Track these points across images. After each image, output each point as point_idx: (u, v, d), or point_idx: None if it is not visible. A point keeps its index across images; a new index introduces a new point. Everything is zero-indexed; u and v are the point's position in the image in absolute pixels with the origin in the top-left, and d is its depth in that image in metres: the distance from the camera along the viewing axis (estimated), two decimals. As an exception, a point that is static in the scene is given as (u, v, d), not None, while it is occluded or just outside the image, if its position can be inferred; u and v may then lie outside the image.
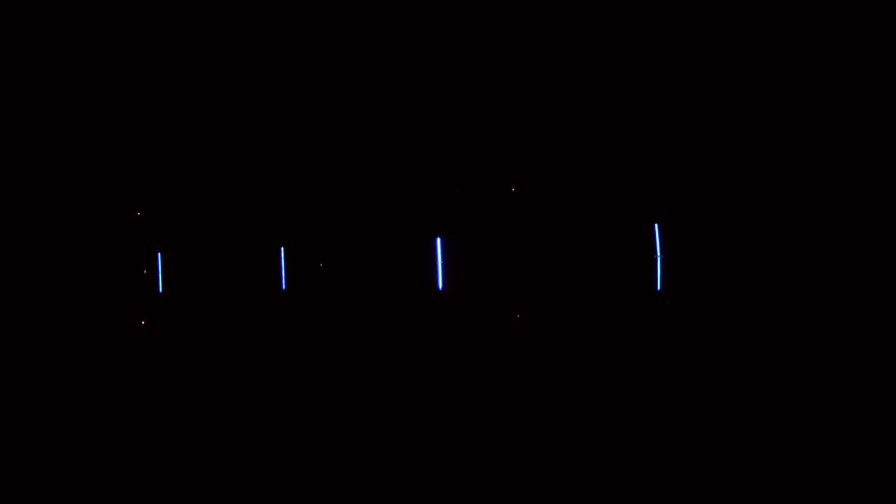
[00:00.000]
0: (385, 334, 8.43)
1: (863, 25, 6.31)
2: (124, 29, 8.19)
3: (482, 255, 8.35)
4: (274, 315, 8.77)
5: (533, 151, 8.03)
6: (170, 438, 5.93)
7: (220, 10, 8.00)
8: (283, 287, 8.85)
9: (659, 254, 7.55)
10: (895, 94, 6.35)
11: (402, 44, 8.12)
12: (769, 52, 6.80)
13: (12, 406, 6.76)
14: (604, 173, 7.75)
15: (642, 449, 5.31)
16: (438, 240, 8.52)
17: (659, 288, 7.54)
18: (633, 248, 7.64)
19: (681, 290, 7.45)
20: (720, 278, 7.28)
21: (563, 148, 7.90)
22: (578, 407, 6.38)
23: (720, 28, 6.91)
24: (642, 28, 7.23)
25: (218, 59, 8.39)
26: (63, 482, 5.04)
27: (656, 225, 7.56)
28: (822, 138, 6.77)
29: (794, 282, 6.95)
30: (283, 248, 8.83)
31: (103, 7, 8.06)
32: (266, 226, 8.87)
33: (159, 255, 8.63)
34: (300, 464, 5.33)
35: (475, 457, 5.32)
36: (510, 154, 8.15)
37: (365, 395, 7.08)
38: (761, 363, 6.75)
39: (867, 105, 6.53)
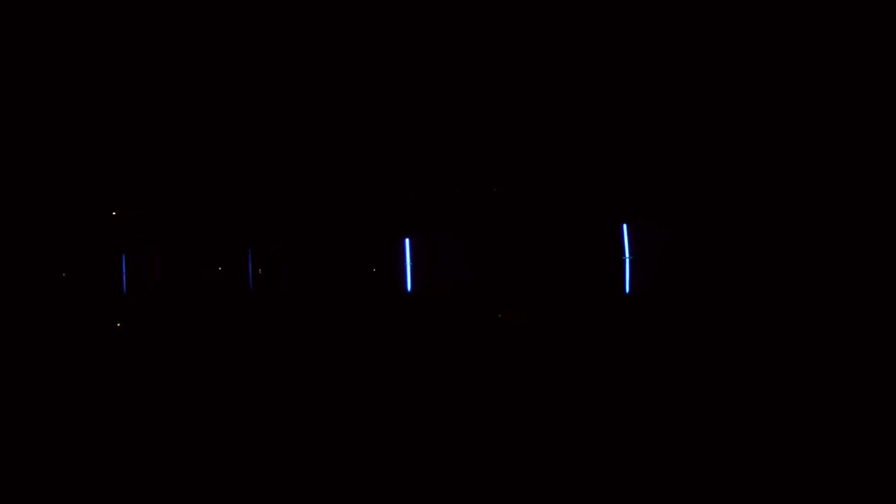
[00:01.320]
0: (353, 335, 8.32)
1: (823, 25, 6.18)
2: (92, 30, 8.10)
3: (452, 257, 8.22)
4: (242, 315, 8.67)
5: (502, 153, 7.89)
6: (136, 438, 5.85)
7: (183, 13, 7.89)
8: (251, 287, 8.74)
9: (628, 255, 7.39)
10: (862, 92, 6.22)
11: (371, 45, 8.00)
12: (735, 57, 6.67)
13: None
14: (572, 175, 7.61)
15: (612, 453, 5.20)
16: (407, 241, 8.39)
17: (628, 290, 7.39)
18: (603, 250, 7.49)
19: (650, 293, 7.29)
20: (691, 280, 7.13)
21: (532, 149, 7.76)
22: (549, 411, 6.26)
23: (688, 35, 6.79)
24: (614, 36, 7.12)
25: (189, 62, 8.29)
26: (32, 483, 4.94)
27: (624, 226, 7.40)
28: (791, 141, 6.62)
29: (766, 283, 6.80)
30: (250, 250, 8.72)
31: (71, 7, 7.97)
32: (234, 227, 8.76)
33: (124, 256, 8.52)
34: (267, 466, 5.23)
35: (440, 462, 5.21)
36: (480, 155, 8.02)
37: (331, 397, 6.98)
38: (733, 366, 6.61)
39: (838, 106, 6.39)
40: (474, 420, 6.11)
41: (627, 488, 4.62)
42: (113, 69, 8.33)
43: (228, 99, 8.40)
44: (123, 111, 8.52)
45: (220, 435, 5.93)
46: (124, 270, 8.54)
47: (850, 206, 6.33)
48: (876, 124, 6.18)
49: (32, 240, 8.54)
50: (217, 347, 8.30)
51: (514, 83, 7.70)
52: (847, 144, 6.33)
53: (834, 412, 5.52)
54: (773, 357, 6.51)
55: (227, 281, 8.73)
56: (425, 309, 8.23)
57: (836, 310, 6.38)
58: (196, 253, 8.74)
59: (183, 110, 8.50)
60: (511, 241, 7.93)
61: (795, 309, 6.54)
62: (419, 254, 8.36)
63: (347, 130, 8.39)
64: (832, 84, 6.27)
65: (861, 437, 5.15)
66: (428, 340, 8.02)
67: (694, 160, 7.03)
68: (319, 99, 8.31)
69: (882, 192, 6.15)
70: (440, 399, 6.79)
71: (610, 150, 7.38)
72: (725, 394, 6.21)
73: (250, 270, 8.68)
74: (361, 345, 8.16)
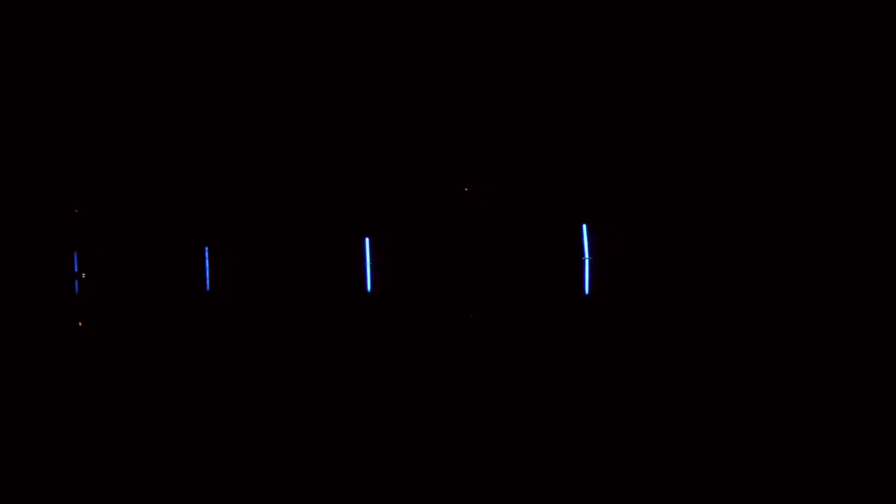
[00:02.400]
0: (312, 337, 8.14)
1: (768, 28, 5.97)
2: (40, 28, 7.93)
3: (413, 257, 8.02)
4: (198, 317, 8.48)
5: (463, 153, 7.67)
6: (84, 442, 5.75)
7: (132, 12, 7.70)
8: (208, 288, 8.54)
9: (587, 256, 7.13)
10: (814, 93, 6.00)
11: (333, 44, 7.80)
12: (693, 61, 6.46)
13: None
14: (531, 174, 7.37)
15: (569, 461, 5.06)
16: (367, 240, 8.17)
17: (587, 293, 7.14)
18: (562, 251, 7.25)
19: (610, 296, 7.05)
20: (652, 282, 6.89)
21: (491, 149, 7.53)
22: (508, 415, 6.11)
23: (643, 39, 6.59)
24: (573, 40, 6.93)
25: (144, 56, 8.11)
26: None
27: (584, 226, 7.15)
28: (750, 143, 6.39)
29: (727, 285, 6.57)
30: (206, 248, 8.52)
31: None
32: (189, 223, 8.56)
33: (75, 254, 8.33)
34: (225, 469, 5.10)
35: (402, 462, 5.07)
36: (439, 155, 7.80)
37: (287, 400, 6.84)
38: (692, 372, 6.40)
39: (796, 110, 6.17)
40: (432, 423, 5.97)
41: (591, 489, 4.50)
42: (71, 69, 8.16)
43: (184, 94, 8.21)
44: (77, 106, 8.35)
45: (174, 437, 5.81)
46: (76, 269, 8.35)
47: (807, 208, 6.13)
48: (827, 124, 6.00)
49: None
50: (172, 350, 8.13)
51: (474, 83, 7.49)
52: (803, 147, 6.13)
53: (793, 410, 5.40)
54: (734, 359, 6.32)
55: (183, 280, 8.53)
56: (385, 309, 8.04)
57: (799, 311, 6.21)
58: (150, 250, 8.54)
59: (136, 105, 8.32)
60: (472, 241, 7.71)
61: (757, 311, 6.32)
62: (380, 254, 8.15)
63: (306, 127, 8.19)
64: (787, 88, 6.09)
65: (821, 440, 5.00)
66: (388, 341, 7.84)
67: (655, 160, 6.80)
68: (277, 95, 8.11)
69: (832, 190, 5.97)
70: (398, 400, 6.63)
71: (569, 148, 7.15)
72: (686, 396, 6.05)
73: (207, 269, 8.48)
74: (321, 346, 7.99)
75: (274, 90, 8.03)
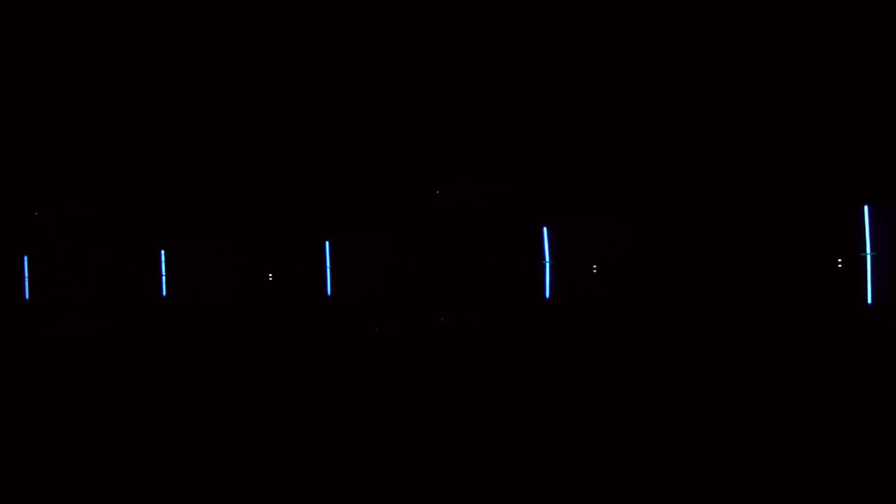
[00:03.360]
0: (272, 341, 8.00)
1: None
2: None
3: (373, 261, 7.94)
4: (154, 322, 8.29)
5: (426, 158, 7.63)
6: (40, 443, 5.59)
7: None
8: (164, 293, 8.35)
9: (548, 259, 7.12)
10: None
11: (297, 45, 7.73)
12: (652, 65, 6.53)
13: None
14: (493, 177, 7.35)
15: (527, 462, 5.00)
16: (327, 244, 8.08)
17: (548, 296, 7.12)
18: (523, 254, 7.23)
19: (570, 299, 7.04)
20: (613, 286, 6.90)
21: (454, 153, 7.50)
22: (465, 415, 6.02)
23: (603, 46, 6.66)
24: (537, 47, 6.97)
25: (102, 56, 7.96)
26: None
27: (545, 228, 7.14)
28: (711, 146, 6.45)
29: (687, 289, 6.60)
30: (163, 251, 8.33)
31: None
32: (146, 227, 8.38)
33: (26, 258, 8.11)
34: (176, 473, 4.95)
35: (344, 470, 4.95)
36: (403, 160, 7.75)
37: (249, 402, 6.68)
38: (653, 373, 6.41)
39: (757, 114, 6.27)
40: (390, 423, 5.87)
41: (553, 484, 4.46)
42: (31, 77, 7.97)
43: (141, 100, 8.05)
44: (38, 111, 8.15)
45: (134, 440, 5.65)
46: (26, 273, 8.12)
47: (774, 211, 6.20)
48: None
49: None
50: (131, 354, 7.94)
51: (437, 87, 7.47)
52: (769, 151, 6.21)
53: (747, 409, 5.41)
54: (689, 359, 6.35)
55: (138, 284, 8.35)
56: (346, 312, 7.94)
57: (765, 315, 6.26)
58: (105, 254, 8.33)
59: (97, 109, 8.16)
60: (434, 244, 7.66)
61: (710, 312, 6.37)
62: (340, 258, 8.05)
63: (266, 131, 8.08)
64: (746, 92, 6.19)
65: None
66: (347, 343, 7.74)
67: (617, 165, 6.82)
68: (234, 101, 7.99)
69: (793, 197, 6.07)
70: (361, 402, 6.53)
71: (529, 152, 7.14)
72: (640, 396, 6.05)
73: (164, 274, 8.29)
74: (281, 349, 7.86)
75: (232, 97, 7.92)
